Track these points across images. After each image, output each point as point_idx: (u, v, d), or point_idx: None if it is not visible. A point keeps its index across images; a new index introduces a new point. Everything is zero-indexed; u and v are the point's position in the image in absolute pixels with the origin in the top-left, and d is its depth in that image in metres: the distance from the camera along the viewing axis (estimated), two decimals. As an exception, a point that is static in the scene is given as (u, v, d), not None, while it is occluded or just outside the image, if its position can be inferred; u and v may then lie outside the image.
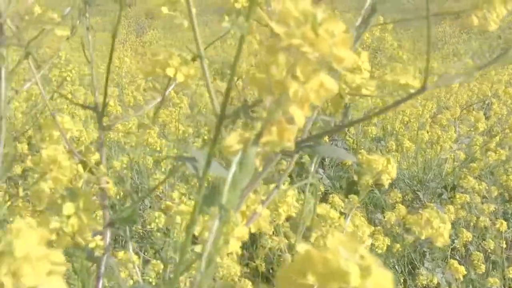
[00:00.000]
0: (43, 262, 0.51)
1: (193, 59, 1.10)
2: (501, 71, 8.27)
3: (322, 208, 1.26)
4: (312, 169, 1.12)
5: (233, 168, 0.63)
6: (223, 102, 0.67)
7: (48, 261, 0.51)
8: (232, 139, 0.57)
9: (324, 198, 3.46)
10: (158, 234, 3.34)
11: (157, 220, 2.86)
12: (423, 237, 1.33)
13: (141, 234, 3.38)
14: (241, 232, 0.77)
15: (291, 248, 3.21)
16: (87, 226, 0.67)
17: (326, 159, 4.38)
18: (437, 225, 1.35)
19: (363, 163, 1.47)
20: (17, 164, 3.30)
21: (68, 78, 3.07)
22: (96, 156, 1.23)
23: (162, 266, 2.76)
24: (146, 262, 2.78)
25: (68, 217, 0.67)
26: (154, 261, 2.72)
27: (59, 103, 4.26)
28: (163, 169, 3.68)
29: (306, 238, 1.20)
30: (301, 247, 0.44)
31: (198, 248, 0.75)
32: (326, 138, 4.44)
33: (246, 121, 0.61)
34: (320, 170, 4.38)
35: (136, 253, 2.46)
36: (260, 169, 0.78)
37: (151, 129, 3.88)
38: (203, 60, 0.72)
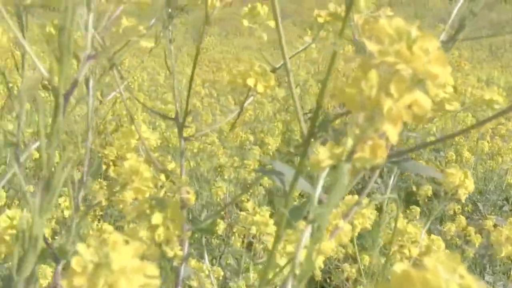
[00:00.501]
0: (138, 275, 0.52)
1: (273, 71, 1.12)
2: None
3: (399, 222, 1.26)
4: (391, 182, 1.12)
5: (320, 184, 0.64)
6: (313, 119, 0.68)
7: (143, 274, 0.52)
8: (323, 155, 0.57)
9: (381, 208, 3.43)
10: (217, 241, 3.37)
11: (216, 227, 2.89)
12: (502, 255, 1.31)
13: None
14: (327, 246, 0.78)
15: (347, 258, 3.20)
16: (175, 236, 0.69)
17: (384, 168, 4.34)
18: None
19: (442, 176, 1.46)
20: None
21: (132, 85, 3.13)
22: (172, 165, 1.26)
23: (221, 273, 2.79)
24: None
25: (157, 226, 0.69)
26: (213, 268, 2.75)
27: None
28: (225, 177, 3.70)
29: (382, 252, 1.19)
30: (399, 267, 0.45)
31: (282, 262, 0.76)
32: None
33: (332, 138, 0.62)
34: (378, 180, 4.34)
35: (197, 260, 2.49)
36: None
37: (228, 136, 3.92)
38: (291, 74, 0.73)
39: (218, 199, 3.43)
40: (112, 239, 0.52)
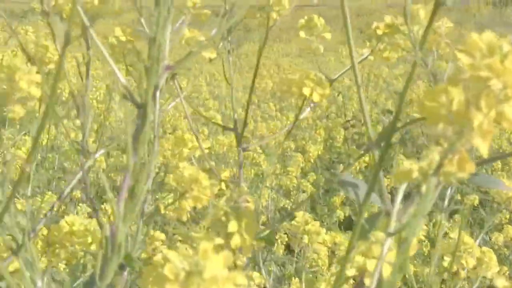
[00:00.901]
0: (228, 284, 0.53)
1: (330, 82, 1.12)
2: None
3: (455, 233, 1.25)
4: (448, 193, 1.11)
5: (400, 197, 0.64)
6: (388, 130, 0.68)
7: (233, 283, 0.53)
8: (410, 167, 0.57)
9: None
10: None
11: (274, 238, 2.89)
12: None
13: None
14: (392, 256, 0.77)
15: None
16: (249, 245, 0.69)
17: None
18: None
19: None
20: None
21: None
22: (226, 173, 1.27)
23: (262, 280, 2.78)
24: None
25: (232, 234, 0.70)
26: (255, 274, 2.75)
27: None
28: (267, 184, 3.71)
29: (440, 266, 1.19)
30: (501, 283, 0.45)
31: (350, 272, 0.76)
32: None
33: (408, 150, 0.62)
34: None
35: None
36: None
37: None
38: (360, 89, 0.73)
39: (261, 207, 3.44)
40: (203, 247, 0.53)
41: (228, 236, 0.70)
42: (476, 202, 3.43)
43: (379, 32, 1.09)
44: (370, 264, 0.76)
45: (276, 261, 3.20)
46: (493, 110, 0.55)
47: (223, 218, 0.71)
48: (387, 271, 0.76)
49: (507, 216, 3.42)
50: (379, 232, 0.70)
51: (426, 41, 0.65)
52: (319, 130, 5.24)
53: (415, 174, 0.58)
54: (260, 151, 4.15)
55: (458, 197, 3.90)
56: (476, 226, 3.75)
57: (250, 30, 14.40)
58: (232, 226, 0.70)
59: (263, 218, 3.32)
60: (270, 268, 3.17)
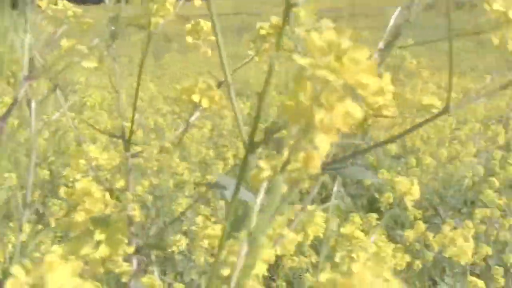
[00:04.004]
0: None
1: (218, 86, 1.12)
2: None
3: (347, 228, 1.27)
4: (335, 189, 1.13)
5: (261, 194, 0.65)
6: (252, 130, 0.69)
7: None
8: (262, 167, 0.58)
9: (345, 217, 3.44)
10: (180, 257, 3.35)
11: (178, 243, 2.88)
12: (447, 255, 1.34)
13: (163, 257, 3.39)
14: (268, 255, 0.78)
15: (313, 267, 3.21)
16: (118, 252, 0.69)
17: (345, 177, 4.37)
18: (460, 243, 1.35)
19: (388, 184, 1.49)
20: (36, 190, 3.33)
21: (88, 103, 3.12)
22: (122, 182, 1.25)
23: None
24: (168, 285, 2.79)
25: (100, 242, 0.69)
26: (176, 284, 2.73)
27: (80, 128, 4.30)
28: (186, 193, 3.69)
29: (328, 258, 1.20)
30: (324, 276, 0.45)
31: (225, 272, 0.76)
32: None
33: (271, 149, 0.63)
34: (342, 189, 4.38)
35: (159, 277, 2.47)
36: (286, 193, 0.80)
37: (173, 153, 3.89)
38: (231, 88, 0.73)
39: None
40: (48, 259, 0.52)
41: (97, 245, 0.70)
42: (391, 200, 3.51)
43: (263, 32, 1.10)
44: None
45: (197, 270, 3.19)
46: (335, 106, 0.56)
47: (91, 227, 0.70)
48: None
49: (420, 212, 3.52)
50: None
51: (280, 42, 0.66)
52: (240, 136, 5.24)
53: (266, 174, 0.58)
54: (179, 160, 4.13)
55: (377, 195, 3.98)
56: (391, 222, 3.84)
57: (171, 41, 14.32)
58: (99, 234, 0.69)
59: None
60: (191, 277, 3.16)
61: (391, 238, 3.43)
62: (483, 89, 0.80)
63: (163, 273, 3.13)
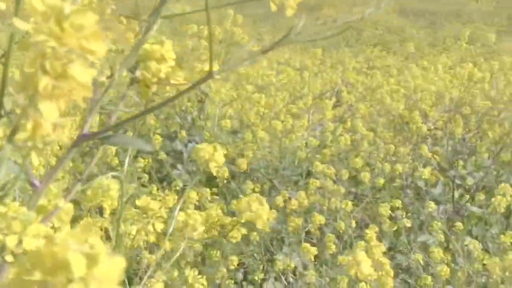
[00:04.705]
0: None
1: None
2: (351, 60, 8.64)
3: (143, 200, 1.27)
4: (127, 160, 1.12)
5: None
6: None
7: None
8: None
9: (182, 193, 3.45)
10: None
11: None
12: (243, 220, 1.38)
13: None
14: (37, 229, 0.77)
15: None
16: None
17: (184, 154, 4.39)
18: (256, 208, 1.39)
19: (193, 153, 1.50)
20: None
21: None
22: None
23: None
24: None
25: None
26: None
27: None
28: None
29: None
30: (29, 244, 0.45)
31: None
32: (183, 134, 4.45)
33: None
34: (179, 166, 4.39)
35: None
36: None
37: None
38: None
39: None
40: None
41: None
42: (226, 174, 3.58)
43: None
44: (10, 240, 0.75)
45: None
46: (62, 73, 0.55)
47: None
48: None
49: (258, 185, 3.60)
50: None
51: (20, 7, 0.64)
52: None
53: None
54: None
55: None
56: (229, 196, 3.90)
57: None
58: None
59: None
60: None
61: (230, 212, 3.49)
62: (245, 54, 0.82)
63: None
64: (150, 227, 1.21)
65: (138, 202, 1.24)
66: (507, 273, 2.28)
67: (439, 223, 3.32)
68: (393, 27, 17.13)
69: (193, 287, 1.46)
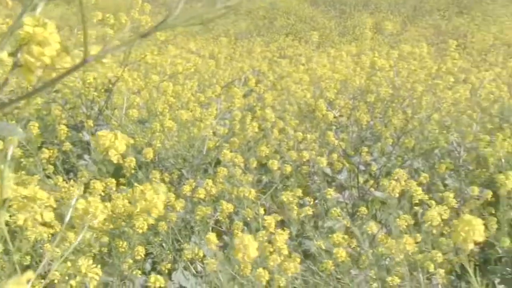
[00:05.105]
0: None
1: None
2: (265, 49, 8.70)
3: (30, 190, 1.23)
4: (9, 152, 1.08)
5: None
6: None
7: None
8: None
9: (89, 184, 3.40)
10: None
11: None
12: (137, 210, 1.36)
13: None
14: None
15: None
16: None
17: (91, 145, 4.31)
18: (151, 196, 1.38)
19: (93, 140, 1.47)
20: None
21: None
22: None
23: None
24: None
25: None
26: None
27: None
28: None
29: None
30: None
31: None
32: (90, 123, 4.37)
33: None
34: (86, 156, 4.31)
35: None
36: None
37: None
38: None
39: None
40: None
41: None
42: (133, 164, 3.55)
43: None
44: None
45: None
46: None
47: None
48: None
49: (168, 175, 3.57)
50: None
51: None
52: None
53: None
54: None
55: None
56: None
57: None
58: None
59: None
60: None
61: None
62: (121, 40, 0.82)
63: None
64: (38, 217, 1.18)
65: (24, 191, 1.20)
66: (401, 256, 2.35)
67: (338, 210, 3.39)
68: (304, 16, 17.33)
69: (87, 276, 1.44)
